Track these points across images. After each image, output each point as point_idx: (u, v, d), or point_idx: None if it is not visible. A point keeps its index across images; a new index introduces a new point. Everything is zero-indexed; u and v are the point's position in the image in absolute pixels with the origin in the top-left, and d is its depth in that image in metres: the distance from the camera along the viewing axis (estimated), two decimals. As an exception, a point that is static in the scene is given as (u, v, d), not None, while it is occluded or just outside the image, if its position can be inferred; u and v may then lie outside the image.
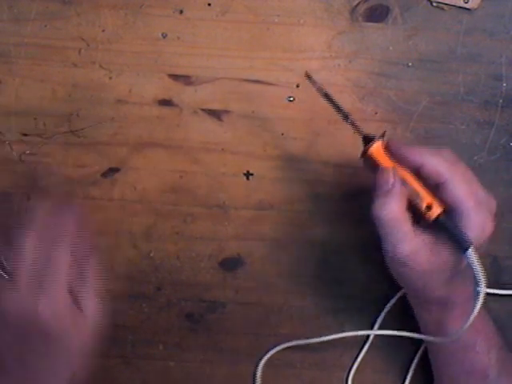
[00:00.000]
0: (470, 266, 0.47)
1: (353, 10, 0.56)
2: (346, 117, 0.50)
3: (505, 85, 0.57)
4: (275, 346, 0.59)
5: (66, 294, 0.45)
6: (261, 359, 0.59)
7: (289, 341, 0.59)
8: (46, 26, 0.56)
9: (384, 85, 0.57)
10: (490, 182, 0.58)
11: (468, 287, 0.49)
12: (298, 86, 0.57)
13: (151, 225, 0.59)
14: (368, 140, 0.50)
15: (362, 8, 0.56)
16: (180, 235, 0.59)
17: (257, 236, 0.59)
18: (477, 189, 0.48)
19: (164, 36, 0.57)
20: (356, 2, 0.56)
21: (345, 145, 0.58)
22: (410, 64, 0.57)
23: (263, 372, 0.59)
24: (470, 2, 0.56)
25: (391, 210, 0.47)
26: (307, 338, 0.58)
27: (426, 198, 0.48)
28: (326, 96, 0.50)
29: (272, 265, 0.59)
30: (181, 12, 0.57)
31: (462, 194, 0.47)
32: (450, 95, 0.57)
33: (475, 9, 0.56)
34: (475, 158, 0.58)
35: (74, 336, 0.45)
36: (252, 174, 0.58)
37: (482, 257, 0.58)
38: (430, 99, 0.57)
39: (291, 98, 0.57)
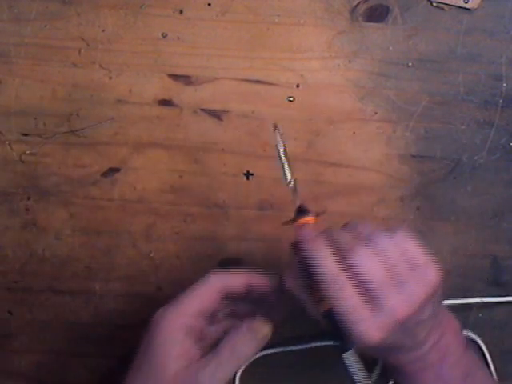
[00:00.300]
0: (347, 369, 0.46)
1: (353, 10, 0.56)
2: (289, 181, 0.48)
3: (505, 85, 0.57)
4: (278, 346, 0.59)
5: (183, 329, 0.46)
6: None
7: (290, 341, 0.59)
8: (45, 26, 0.56)
9: (384, 85, 0.57)
10: (490, 182, 0.58)
11: (405, 353, 0.47)
12: (298, 86, 0.57)
13: (151, 225, 0.59)
14: (300, 211, 0.48)
15: (362, 8, 0.56)
16: (180, 235, 0.59)
17: (257, 236, 0.59)
18: (375, 296, 0.43)
19: (164, 36, 0.57)
20: (356, 2, 0.56)
21: (345, 145, 0.58)
22: (409, 64, 0.57)
23: (263, 372, 0.59)
24: (470, 2, 0.56)
25: (289, 284, 0.47)
26: (310, 337, 0.58)
27: (317, 292, 0.45)
28: (284, 151, 0.48)
29: (272, 265, 0.59)
30: (181, 12, 0.57)
31: (343, 310, 0.43)
32: (449, 95, 0.57)
33: (475, 9, 0.56)
34: (475, 157, 0.58)
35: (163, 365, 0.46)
36: (252, 174, 0.58)
37: (481, 257, 0.59)
38: (430, 99, 0.57)
39: (291, 98, 0.57)
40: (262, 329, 0.46)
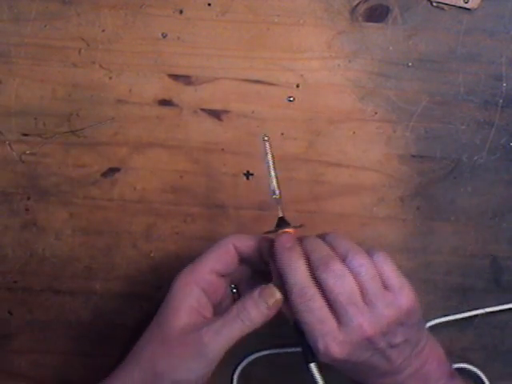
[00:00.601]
0: (312, 378, 0.47)
1: (353, 10, 0.56)
2: (274, 193, 0.49)
3: (505, 85, 0.57)
4: (275, 347, 0.59)
5: (199, 284, 0.48)
6: (236, 368, 0.60)
7: (288, 341, 0.59)
8: (45, 26, 0.56)
9: (384, 85, 0.57)
10: (490, 182, 0.58)
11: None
12: (298, 86, 0.57)
13: (151, 225, 0.59)
14: (281, 223, 0.49)
15: (362, 8, 0.56)
16: (180, 235, 0.59)
17: (257, 236, 0.59)
18: (342, 312, 0.44)
19: (164, 36, 0.57)
20: (356, 2, 0.56)
21: (345, 145, 0.58)
22: (409, 64, 0.57)
23: (262, 372, 0.59)
24: (469, 2, 0.56)
25: None
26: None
27: (286, 303, 0.47)
28: (273, 163, 0.49)
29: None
30: (181, 12, 0.57)
31: (309, 321, 0.45)
32: (449, 95, 0.57)
33: (475, 9, 0.56)
34: (475, 157, 0.58)
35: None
36: (252, 174, 0.58)
37: (481, 257, 0.59)
38: (430, 99, 0.57)
39: (291, 98, 0.57)
40: (274, 295, 0.46)
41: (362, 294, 0.44)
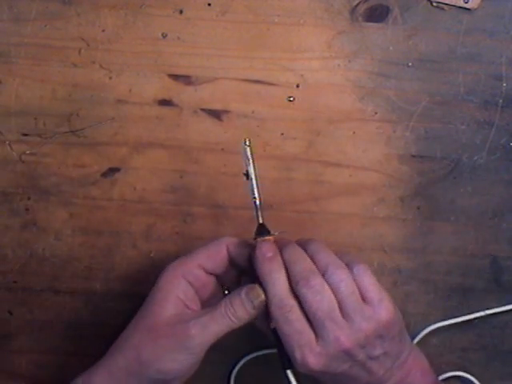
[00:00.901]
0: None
1: (353, 10, 0.56)
2: (254, 198, 0.49)
3: (505, 85, 0.57)
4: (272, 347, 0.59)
5: (186, 277, 0.48)
6: (233, 368, 0.60)
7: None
8: (46, 25, 0.56)
9: (384, 85, 0.57)
10: (490, 182, 0.58)
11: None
12: (298, 86, 0.57)
13: (151, 225, 0.59)
14: (262, 230, 0.49)
15: (362, 8, 0.56)
16: (180, 235, 0.59)
17: (257, 236, 0.59)
18: (320, 325, 0.45)
19: (164, 36, 0.57)
20: (356, 2, 0.56)
21: (345, 145, 0.58)
22: (409, 64, 0.57)
23: (259, 372, 0.59)
24: (470, 2, 0.56)
25: None
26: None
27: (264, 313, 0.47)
28: (253, 167, 0.49)
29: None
30: (181, 12, 0.57)
31: (287, 332, 0.46)
32: (450, 95, 0.57)
33: (475, 9, 0.56)
34: (475, 157, 0.58)
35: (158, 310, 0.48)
36: (252, 174, 0.58)
37: (481, 257, 0.59)
38: (430, 99, 0.57)
39: (291, 98, 0.57)
40: (260, 296, 0.47)
41: (340, 309, 0.45)
